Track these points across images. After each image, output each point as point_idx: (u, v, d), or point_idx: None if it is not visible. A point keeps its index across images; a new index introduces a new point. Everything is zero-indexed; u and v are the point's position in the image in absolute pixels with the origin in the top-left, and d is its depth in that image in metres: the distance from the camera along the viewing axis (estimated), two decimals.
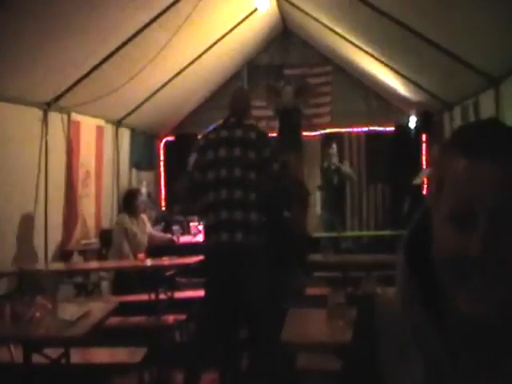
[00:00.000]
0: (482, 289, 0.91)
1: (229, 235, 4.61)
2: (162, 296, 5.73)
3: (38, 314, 3.60)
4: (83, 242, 7.11)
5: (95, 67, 6.19)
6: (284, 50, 10.29)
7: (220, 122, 4.98)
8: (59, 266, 6.35)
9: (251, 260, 4.66)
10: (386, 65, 8.05)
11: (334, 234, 8.72)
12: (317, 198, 9.40)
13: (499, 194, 0.90)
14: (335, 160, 9.18)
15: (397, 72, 8.03)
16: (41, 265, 6.19)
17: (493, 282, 0.90)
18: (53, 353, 3.71)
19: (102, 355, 4.38)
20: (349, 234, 9.73)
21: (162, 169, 10.45)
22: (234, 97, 5.08)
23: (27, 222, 6.10)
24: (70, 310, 3.77)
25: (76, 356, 3.78)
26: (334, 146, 9.34)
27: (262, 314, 4.69)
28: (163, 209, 10.03)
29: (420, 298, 1.00)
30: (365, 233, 10.06)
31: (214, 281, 4.80)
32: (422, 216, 1.05)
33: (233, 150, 4.71)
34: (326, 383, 3.48)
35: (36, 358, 3.67)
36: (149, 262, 5.93)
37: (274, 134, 8.91)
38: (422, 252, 1.01)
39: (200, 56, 8.18)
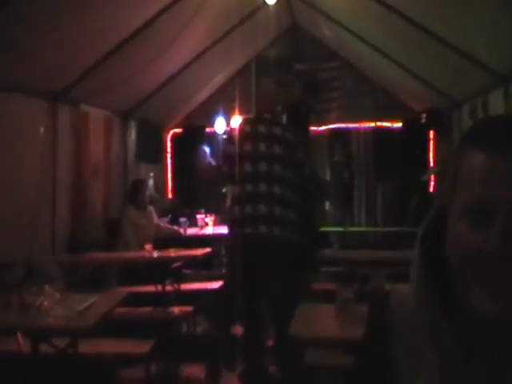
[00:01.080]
0: (497, 286, 0.90)
1: (267, 228, 4.75)
2: (168, 288, 5.75)
3: (46, 304, 3.63)
4: (91, 233, 7.12)
5: (104, 58, 6.18)
6: (293, 43, 10.24)
7: (252, 115, 5.16)
8: (66, 256, 6.37)
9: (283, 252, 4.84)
10: (395, 61, 8.02)
11: (340, 229, 8.72)
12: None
13: None
14: (345, 155, 9.19)
15: (405, 68, 8.00)
16: (48, 255, 6.21)
17: (509, 279, 0.89)
18: (60, 343, 3.73)
19: (109, 346, 4.39)
20: (356, 229, 9.72)
21: (169, 161, 10.44)
22: (266, 92, 5.25)
23: (35, 212, 6.11)
24: (78, 300, 3.78)
25: (83, 346, 3.79)
26: (343, 141, 9.37)
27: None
28: (170, 200, 10.03)
29: (435, 296, 0.99)
30: (372, 229, 10.04)
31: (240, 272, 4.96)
32: (436, 213, 1.04)
33: (272, 146, 4.87)
34: (337, 381, 3.49)
35: (44, 348, 3.70)
36: (155, 254, 5.94)
37: None
38: (436, 249, 1.00)
39: (209, 48, 8.17)
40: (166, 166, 10.39)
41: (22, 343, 3.99)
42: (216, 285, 6.29)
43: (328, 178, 9.46)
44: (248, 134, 4.97)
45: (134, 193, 7.12)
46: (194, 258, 6.14)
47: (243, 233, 4.86)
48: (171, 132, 10.48)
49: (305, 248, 5.30)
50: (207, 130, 9.87)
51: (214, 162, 8.67)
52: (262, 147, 4.87)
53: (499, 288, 0.90)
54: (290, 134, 5.01)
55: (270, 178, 4.79)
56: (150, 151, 9.42)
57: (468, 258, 0.92)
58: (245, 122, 5.18)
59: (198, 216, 7.95)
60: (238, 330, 5.18)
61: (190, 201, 8.94)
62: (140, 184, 7.32)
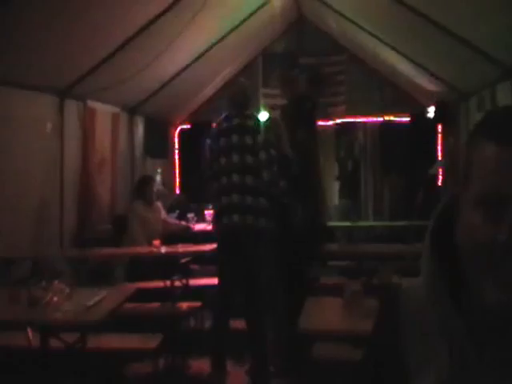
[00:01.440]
0: (506, 277, 0.90)
1: (240, 217, 4.93)
2: (176, 283, 5.76)
3: (55, 299, 3.64)
4: (98, 228, 7.14)
5: (111, 54, 6.19)
6: (299, 37, 10.23)
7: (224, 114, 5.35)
8: (74, 252, 6.39)
9: (260, 241, 4.99)
10: (402, 54, 8.00)
11: (347, 224, 8.71)
12: (334, 188, 9.40)
13: None
14: (351, 149, 9.20)
15: (413, 61, 7.98)
16: (56, 250, 6.23)
17: None
18: (69, 338, 3.74)
19: (117, 341, 4.41)
20: (363, 223, 9.71)
21: (176, 156, 10.45)
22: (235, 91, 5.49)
23: (43, 208, 6.13)
24: (86, 296, 3.79)
25: (92, 341, 3.80)
26: (350, 135, 9.38)
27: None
28: (177, 196, 10.03)
29: (446, 287, 0.99)
30: (379, 223, 10.02)
31: (226, 262, 5.12)
32: (447, 204, 1.04)
33: (233, 137, 5.15)
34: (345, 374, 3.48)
35: (53, 343, 3.71)
36: (163, 249, 5.95)
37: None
38: (447, 241, 1.00)
39: (215, 43, 8.16)
40: (174, 161, 10.40)
41: (32, 338, 4.01)
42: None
43: (336, 172, 9.44)
44: (223, 129, 5.28)
45: (142, 188, 7.14)
46: (202, 253, 6.15)
47: (219, 225, 5.13)
48: (178, 128, 10.49)
49: (306, 240, 5.33)
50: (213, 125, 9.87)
51: None
52: (235, 139, 5.13)
53: (509, 278, 0.90)
54: (251, 121, 5.24)
55: (243, 169, 5.03)
56: (157, 147, 9.43)
57: (479, 247, 0.92)
58: (222, 117, 5.43)
59: (206, 211, 7.95)
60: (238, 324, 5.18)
61: (197, 196, 8.94)
62: (148, 180, 7.33)
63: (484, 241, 0.91)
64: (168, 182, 9.77)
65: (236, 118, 5.24)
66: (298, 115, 8.74)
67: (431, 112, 9.16)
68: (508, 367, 0.94)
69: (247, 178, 5.00)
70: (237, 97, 5.36)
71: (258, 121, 5.37)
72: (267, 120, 6.25)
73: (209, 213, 7.88)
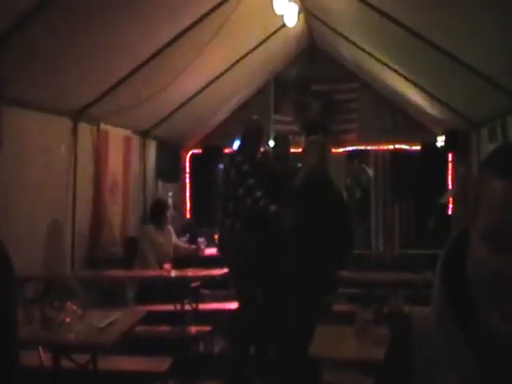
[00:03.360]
0: None
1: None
2: (187, 307, 5.77)
3: (68, 320, 3.66)
4: (109, 250, 7.17)
5: (124, 78, 6.26)
6: (311, 65, 10.28)
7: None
8: (86, 273, 6.42)
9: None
10: (414, 83, 8.04)
11: (357, 251, 8.68)
12: None
13: None
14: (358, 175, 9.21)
15: (424, 90, 8.02)
16: (68, 271, 6.26)
17: None
18: (81, 358, 3.76)
19: (128, 363, 4.42)
20: (373, 251, 9.69)
21: (187, 180, 10.49)
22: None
23: (55, 228, 6.17)
24: (98, 317, 3.82)
25: (103, 362, 3.82)
26: (356, 162, 9.39)
27: None
28: (188, 220, 10.05)
29: (456, 318, 1.00)
30: (389, 251, 9.99)
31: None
32: (458, 236, 1.06)
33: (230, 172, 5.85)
34: None
35: (64, 363, 3.73)
36: (174, 273, 5.97)
37: (300, 150, 8.91)
38: (458, 272, 1.01)
39: (228, 69, 8.24)
40: (185, 185, 10.43)
41: (44, 358, 4.03)
42: (234, 305, 6.29)
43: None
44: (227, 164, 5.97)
45: (157, 213, 7.18)
46: (212, 277, 6.17)
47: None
48: (190, 152, 10.54)
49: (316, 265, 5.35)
50: (225, 150, 9.91)
51: None
52: (232, 173, 5.72)
53: None
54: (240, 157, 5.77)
55: (236, 199, 5.67)
56: (169, 170, 9.48)
57: (487, 281, 0.93)
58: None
59: (216, 236, 7.96)
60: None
61: (207, 220, 8.97)
62: (163, 204, 7.39)
63: (491, 274, 0.92)
64: (179, 205, 9.80)
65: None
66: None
67: (442, 141, 9.18)
68: None
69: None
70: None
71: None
72: (275, 137, 6.74)
73: None
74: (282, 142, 6.57)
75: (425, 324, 1.08)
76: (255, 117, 6.47)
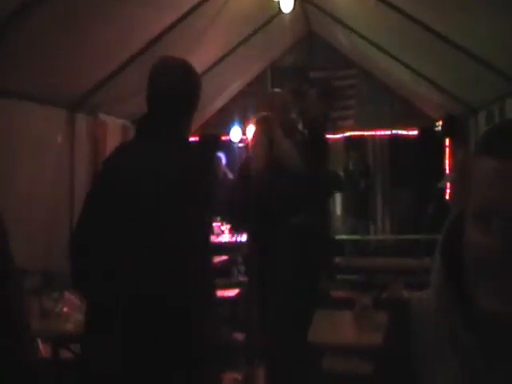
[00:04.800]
0: (503, 288, 0.92)
1: None
2: None
3: (66, 310, 3.66)
4: None
5: (121, 67, 6.23)
6: (308, 52, 10.26)
7: None
8: None
9: None
10: (411, 68, 8.02)
11: (357, 237, 8.70)
12: (337, 201, 9.38)
13: None
14: (361, 163, 9.19)
15: (421, 75, 8.00)
16: (67, 263, 6.23)
17: (509, 283, 0.91)
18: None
19: None
20: (372, 237, 9.70)
21: None
22: None
23: (53, 220, 6.15)
24: None
25: None
26: (360, 149, 9.39)
27: None
28: None
29: (456, 300, 1.00)
30: (388, 236, 10.01)
31: None
32: (456, 217, 1.06)
33: None
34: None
35: (63, 354, 3.73)
36: None
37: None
38: (457, 254, 1.01)
39: (224, 57, 8.21)
40: None
41: (42, 349, 4.02)
42: (232, 292, 6.28)
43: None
44: None
45: None
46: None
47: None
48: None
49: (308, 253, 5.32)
50: (223, 138, 9.89)
51: (228, 171, 8.66)
52: None
53: (505, 290, 0.92)
54: None
55: None
56: None
57: (477, 259, 0.94)
58: None
59: (214, 224, 7.95)
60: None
61: None
62: None
63: (482, 254, 0.93)
64: None
65: None
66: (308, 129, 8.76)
67: (440, 126, 9.16)
68: None
69: None
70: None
71: None
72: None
73: (217, 225, 7.88)
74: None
75: (424, 307, 1.08)
76: None
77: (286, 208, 4.68)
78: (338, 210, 9.44)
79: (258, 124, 4.77)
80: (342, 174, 9.33)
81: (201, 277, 2.28)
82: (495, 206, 0.92)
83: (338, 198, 9.24)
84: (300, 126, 6.23)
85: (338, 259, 6.24)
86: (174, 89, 2.53)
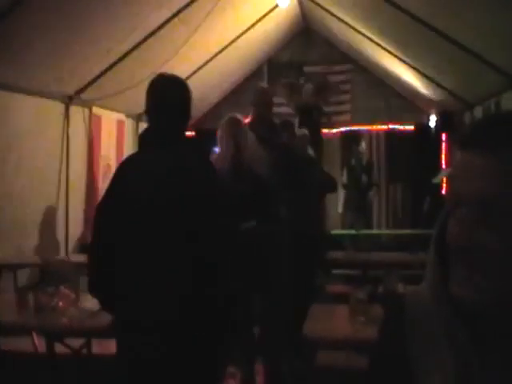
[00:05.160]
0: (473, 276, 0.93)
1: None
2: None
3: (61, 304, 3.65)
4: None
5: (116, 62, 6.23)
6: (304, 47, 10.27)
7: None
8: (80, 257, 6.40)
9: None
10: (407, 63, 8.02)
11: (353, 232, 8.69)
12: (339, 197, 9.36)
13: (484, 185, 0.92)
14: (364, 159, 9.18)
15: (417, 70, 8.00)
16: (62, 257, 6.24)
17: (479, 269, 0.92)
18: (75, 343, 3.75)
19: None
20: (368, 232, 9.69)
21: None
22: None
23: (49, 214, 6.15)
24: (92, 301, 3.79)
25: (97, 346, 3.82)
26: (363, 144, 9.38)
27: None
28: None
29: (449, 294, 1.01)
30: (384, 231, 10.03)
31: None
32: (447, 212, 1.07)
33: None
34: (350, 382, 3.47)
35: (58, 348, 3.72)
36: None
37: None
38: (450, 248, 1.02)
39: (221, 51, 8.20)
40: None
41: (37, 343, 4.02)
42: None
43: (341, 180, 9.36)
44: None
45: None
46: None
47: None
48: None
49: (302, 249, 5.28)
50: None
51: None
52: None
53: (472, 275, 0.93)
54: None
55: None
56: None
57: (454, 250, 0.96)
58: None
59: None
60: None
61: None
62: None
63: (453, 243, 0.95)
64: None
65: None
66: (303, 124, 8.76)
67: (436, 121, 9.18)
68: (508, 372, 0.95)
69: None
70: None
71: None
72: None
73: None
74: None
75: (419, 300, 1.08)
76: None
77: (236, 213, 4.49)
78: (340, 205, 9.42)
79: (225, 125, 4.70)
80: (344, 169, 9.33)
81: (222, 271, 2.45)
82: (460, 196, 0.94)
83: (341, 194, 9.20)
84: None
85: (334, 254, 6.23)
86: (173, 103, 2.70)
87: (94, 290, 2.70)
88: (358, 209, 9.09)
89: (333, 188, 6.35)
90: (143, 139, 2.72)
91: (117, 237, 2.48)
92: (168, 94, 2.70)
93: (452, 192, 0.98)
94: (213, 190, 2.55)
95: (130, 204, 2.48)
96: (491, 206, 0.92)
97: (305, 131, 6.12)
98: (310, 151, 6.06)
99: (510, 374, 0.95)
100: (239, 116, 4.57)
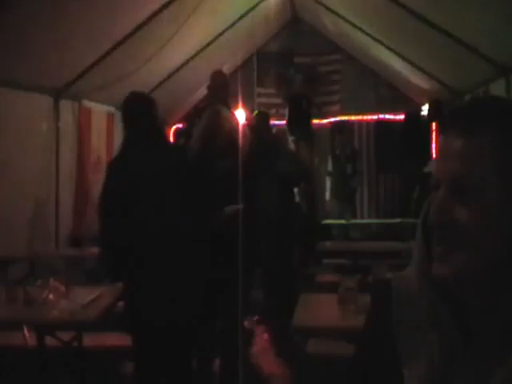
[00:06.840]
0: (442, 253, 0.96)
1: None
2: None
3: (51, 297, 3.64)
4: (94, 227, 7.12)
5: (106, 54, 6.19)
6: (294, 37, 10.25)
7: None
8: (70, 250, 6.39)
9: None
10: (397, 53, 8.02)
11: (343, 222, 8.70)
12: (327, 185, 9.36)
13: (458, 165, 0.95)
14: (347, 148, 9.18)
15: (407, 60, 8.00)
16: (52, 250, 6.23)
17: (451, 247, 0.95)
18: (65, 336, 3.75)
19: (113, 339, 4.40)
20: (358, 221, 9.71)
21: None
22: None
23: (39, 208, 6.13)
24: (82, 294, 3.80)
25: (88, 340, 3.81)
26: (346, 133, 9.39)
27: None
28: None
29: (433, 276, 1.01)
30: (374, 221, 10.05)
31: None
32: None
33: None
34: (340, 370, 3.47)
35: (49, 341, 3.72)
36: None
37: (284, 122, 8.88)
38: None
39: (211, 42, 8.17)
40: None
41: (28, 337, 4.01)
42: None
43: (330, 169, 9.34)
44: None
45: None
46: None
47: None
48: (174, 127, 10.47)
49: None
50: None
51: None
52: None
53: (444, 254, 0.96)
54: None
55: None
56: None
57: (431, 228, 0.99)
58: None
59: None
60: None
61: None
62: None
63: (431, 222, 0.98)
64: None
65: None
66: (293, 114, 8.75)
67: (425, 110, 9.17)
68: (495, 354, 0.96)
69: None
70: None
71: None
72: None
73: None
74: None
75: (405, 285, 1.09)
76: None
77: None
78: (327, 194, 9.43)
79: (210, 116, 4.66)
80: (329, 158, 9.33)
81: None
82: (439, 176, 0.98)
83: (328, 183, 9.21)
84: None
85: (323, 243, 6.25)
86: (146, 112, 3.67)
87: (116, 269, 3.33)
88: (343, 197, 9.10)
89: (298, 180, 6.16)
90: (125, 139, 3.57)
91: (125, 220, 3.11)
92: (140, 107, 3.71)
93: (434, 174, 1.00)
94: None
95: (129, 189, 3.15)
96: (464, 184, 0.94)
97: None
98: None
99: (495, 358, 0.95)
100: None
